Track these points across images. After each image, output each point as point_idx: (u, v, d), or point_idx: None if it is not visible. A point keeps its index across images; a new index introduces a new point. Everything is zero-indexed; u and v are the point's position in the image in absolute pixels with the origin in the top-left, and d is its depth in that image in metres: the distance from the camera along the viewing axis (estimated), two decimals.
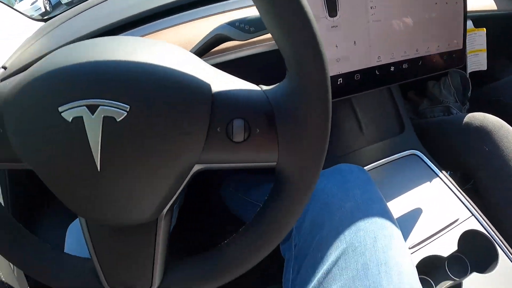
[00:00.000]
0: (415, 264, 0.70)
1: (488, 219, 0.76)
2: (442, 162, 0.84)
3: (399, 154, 0.82)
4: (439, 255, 0.72)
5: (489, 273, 0.71)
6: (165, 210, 0.38)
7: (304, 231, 0.63)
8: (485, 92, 1.01)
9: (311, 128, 0.33)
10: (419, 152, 0.83)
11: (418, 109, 1.05)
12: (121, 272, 0.40)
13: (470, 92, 1.02)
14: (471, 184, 0.86)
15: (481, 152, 0.81)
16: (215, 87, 0.34)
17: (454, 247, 0.73)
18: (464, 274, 0.73)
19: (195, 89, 0.33)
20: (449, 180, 0.79)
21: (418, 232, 0.73)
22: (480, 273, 0.70)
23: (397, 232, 0.59)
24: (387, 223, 0.59)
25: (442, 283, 0.73)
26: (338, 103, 0.86)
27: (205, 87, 0.33)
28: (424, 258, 0.71)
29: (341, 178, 0.64)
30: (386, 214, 0.60)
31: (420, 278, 0.73)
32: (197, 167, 0.35)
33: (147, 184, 0.34)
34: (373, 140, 0.83)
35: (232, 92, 0.34)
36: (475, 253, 0.76)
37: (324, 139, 0.34)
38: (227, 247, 0.40)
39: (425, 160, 0.82)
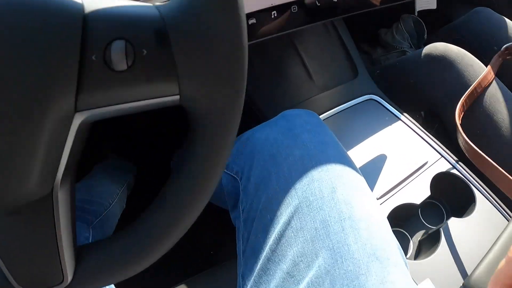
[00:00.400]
0: (386, 216, 0.62)
1: (459, 159, 0.69)
2: (405, 103, 0.76)
3: (355, 100, 0.74)
4: (412, 203, 0.63)
5: (467, 217, 0.63)
6: (58, 180, 0.29)
7: (250, 192, 0.53)
8: (441, 34, 0.94)
9: (219, 43, 0.26)
10: (376, 96, 0.75)
11: (372, 58, 0.98)
12: (26, 266, 0.31)
13: (425, 35, 0.96)
14: (438, 124, 0.79)
15: (446, 83, 0.74)
16: (89, 7, 0.25)
17: (427, 193, 0.65)
18: (441, 221, 0.65)
19: (58, 11, 0.24)
20: (412, 122, 0.72)
21: (386, 180, 0.65)
22: (457, 218, 0.62)
23: (359, 179, 0.49)
24: (346, 170, 0.49)
25: (418, 233, 0.65)
26: (283, 52, 0.77)
27: (74, 7, 0.25)
28: (395, 208, 0.63)
29: (287, 124, 0.53)
30: (343, 159, 0.50)
31: (393, 231, 0.66)
32: (79, 117, 0.26)
33: (13, 145, 0.25)
34: (325, 87, 0.74)
35: (111, 9, 0.26)
36: (450, 197, 0.69)
37: (239, 58, 0.27)
38: (144, 222, 0.33)
39: (383, 104, 0.74)
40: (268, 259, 0.45)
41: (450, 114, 0.76)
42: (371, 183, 0.64)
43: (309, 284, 0.41)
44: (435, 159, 0.68)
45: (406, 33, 0.94)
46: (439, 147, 0.70)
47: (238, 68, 0.27)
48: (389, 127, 0.71)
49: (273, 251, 0.45)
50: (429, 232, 0.64)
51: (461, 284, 0.48)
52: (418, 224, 0.66)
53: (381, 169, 0.66)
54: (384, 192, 0.64)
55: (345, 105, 0.72)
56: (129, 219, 0.38)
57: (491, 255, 0.49)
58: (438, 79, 0.74)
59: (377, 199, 0.63)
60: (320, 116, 0.70)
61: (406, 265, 0.46)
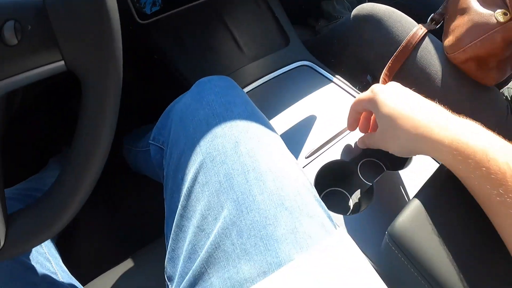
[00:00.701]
0: (322, 174, 0.61)
1: None
2: (342, 67, 0.76)
3: (288, 66, 0.74)
4: (347, 161, 0.63)
5: (406, 169, 0.62)
6: None
7: (167, 157, 0.55)
8: (382, 1, 0.94)
9: (86, 10, 0.31)
10: (308, 62, 0.75)
11: (316, 30, 0.98)
12: None
13: (367, 2, 0.96)
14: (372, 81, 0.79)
15: (375, 42, 0.74)
16: None
17: (360, 150, 0.64)
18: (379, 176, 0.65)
19: None
20: (345, 83, 0.72)
21: (316, 139, 0.64)
22: (395, 170, 0.62)
23: (267, 133, 0.50)
24: (252, 125, 0.49)
25: (358, 191, 0.65)
26: (211, 25, 0.78)
27: None
28: (334, 169, 0.63)
29: (197, 89, 0.55)
30: (251, 116, 0.51)
31: (333, 191, 0.66)
32: None
33: None
34: (256, 57, 0.74)
35: None
36: (387, 153, 0.68)
37: (105, 21, 0.31)
38: (57, 185, 0.38)
39: (316, 69, 0.74)
40: (181, 216, 0.46)
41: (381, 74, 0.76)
42: (302, 143, 0.64)
43: (216, 236, 0.41)
44: None
45: (347, 2, 0.94)
46: None
47: (105, 30, 0.31)
48: (321, 89, 0.70)
49: (184, 207, 0.46)
50: (367, 188, 0.64)
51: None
52: (357, 182, 0.65)
53: (311, 129, 0.66)
54: (313, 150, 0.63)
55: (276, 72, 0.72)
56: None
57: (415, 201, 0.49)
58: (368, 39, 0.74)
59: (306, 157, 0.63)
60: (252, 84, 0.70)
61: (329, 219, 0.46)
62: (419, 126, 0.44)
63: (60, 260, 0.66)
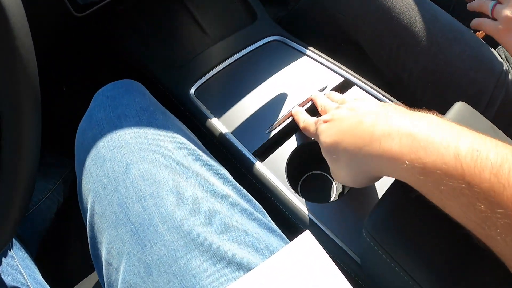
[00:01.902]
0: (297, 157, 0.55)
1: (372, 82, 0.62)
2: (322, 41, 0.70)
3: (256, 44, 0.68)
4: None
5: None
6: None
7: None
8: None
9: None
10: (279, 36, 0.69)
11: (288, 8, 0.93)
12: None
13: None
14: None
15: (357, 8, 0.68)
16: None
17: None
18: None
19: None
20: (318, 54, 0.66)
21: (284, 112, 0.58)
22: None
23: (167, 143, 0.43)
24: (147, 139, 0.42)
25: None
26: (170, 10, 0.72)
27: None
28: (311, 147, 0.57)
29: (91, 105, 0.48)
30: (147, 125, 0.44)
31: (315, 174, 0.60)
32: None
33: None
34: (220, 37, 0.68)
35: None
36: None
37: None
38: None
39: (287, 43, 0.68)
40: (92, 246, 0.42)
41: (363, 36, 0.70)
42: (270, 120, 0.58)
43: (125, 274, 0.36)
44: (337, 81, 0.62)
45: None
46: (345, 72, 0.63)
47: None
48: (294, 63, 0.65)
49: (91, 238, 0.42)
50: None
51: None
52: None
53: (284, 103, 0.60)
54: (274, 124, 0.57)
55: (245, 51, 0.67)
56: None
57: (390, 193, 0.44)
58: (347, 4, 0.69)
59: (267, 132, 0.56)
60: (218, 66, 0.64)
61: (267, 230, 0.41)
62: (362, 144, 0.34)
63: (37, 272, 0.64)
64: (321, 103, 0.53)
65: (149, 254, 0.36)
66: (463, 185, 0.26)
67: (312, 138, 0.54)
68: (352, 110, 0.38)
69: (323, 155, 0.44)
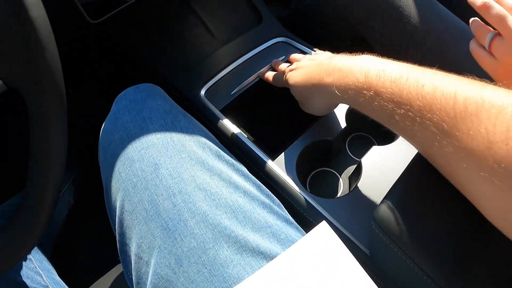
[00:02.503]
0: (306, 155, 0.57)
1: None
2: (325, 36, 0.72)
3: (263, 45, 0.70)
4: (334, 139, 0.59)
5: (390, 144, 0.58)
6: None
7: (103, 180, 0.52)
8: None
9: (5, 26, 0.31)
10: (284, 38, 0.71)
11: (290, 7, 0.94)
12: None
13: None
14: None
15: (369, 4, 0.70)
16: None
17: (343, 125, 0.60)
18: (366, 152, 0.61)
19: None
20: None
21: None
22: (380, 146, 0.58)
23: (192, 144, 0.46)
24: (172, 140, 0.45)
25: (348, 169, 0.61)
26: (178, 14, 0.74)
27: None
28: (320, 148, 0.59)
29: (114, 109, 0.51)
30: (172, 128, 0.47)
31: (321, 171, 0.62)
32: None
33: None
34: (228, 39, 0.70)
35: None
36: (374, 125, 0.63)
37: (27, 34, 0.32)
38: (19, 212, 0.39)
39: (293, 44, 0.70)
40: (121, 243, 0.44)
41: (372, 33, 0.71)
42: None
43: (156, 266, 0.39)
44: None
45: None
46: None
47: (31, 39, 0.31)
48: None
49: (120, 235, 0.44)
50: (357, 165, 0.60)
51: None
52: (346, 160, 0.62)
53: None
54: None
55: (251, 52, 0.69)
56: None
57: (400, 184, 0.45)
58: None
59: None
60: (226, 68, 0.66)
61: (286, 223, 0.43)
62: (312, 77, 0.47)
63: (54, 273, 0.66)
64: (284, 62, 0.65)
65: (179, 246, 0.38)
66: (372, 93, 0.36)
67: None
68: (313, 60, 0.51)
69: (293, 94, 0.55)
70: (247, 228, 0.40)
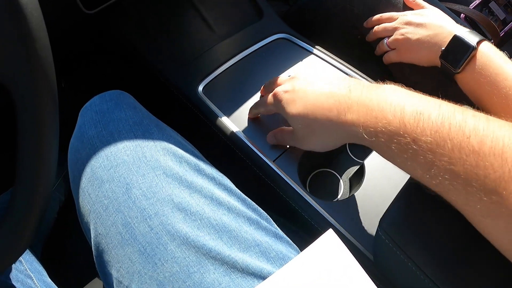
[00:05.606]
0: (307, 156, 0.56)
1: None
2: (326, 32, 0.70)
3: (263, 41, 0.68)
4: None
5: None
6: None
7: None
8: None
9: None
10: (286, 34, 0.69)
11: (289, 2, 0.92)
12: None
13: None
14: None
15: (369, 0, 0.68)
16: None
17: None
18: (367, 154, 0.59)
19: None
20: (325, 53, 0.66)
21: None
22: None
23: (167, 157, 0.42)
24: (144, 155, 0.41)
25: (348, 170, 0.60)
26: (177, 8, 0.72)
27: None
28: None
29: (79, 123, 0.46)
30: (143, 141, 0.43)
31: (321, 172, 0.61)
32: None
33: None
34: (228, 34, 0.69)
35: None
36: None
37: (20, 20, 0.30)
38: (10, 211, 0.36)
39: (294, 41, 0.68)
40: (99, 264, 0.41)
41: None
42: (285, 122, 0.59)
43: None
44: None
45: None
46: (354, 73, 0.64)
47: (22, 28, 0.30)
48: (301, 62, 0.65)
49: (98, 257, 0.41)
50: (358, 167, 0.58)
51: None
52: (347, 161, 0.60)
53: None
54: None
55: (251, 48, 0.67)
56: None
57: (406, 190, 0.44)
58: None
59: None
60: (226, 64, 0.64)
61: (276, 238, 0.41)
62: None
63: (45, 275, 0.64)
64: (270, 81, 0.54)
65: (160, 271, 0.36)
66: (409, 140, 0.31)
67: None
68: (312, 83, 0.43)
69: (290, 124, 0.46)
70: (234, 248, 0.37)
